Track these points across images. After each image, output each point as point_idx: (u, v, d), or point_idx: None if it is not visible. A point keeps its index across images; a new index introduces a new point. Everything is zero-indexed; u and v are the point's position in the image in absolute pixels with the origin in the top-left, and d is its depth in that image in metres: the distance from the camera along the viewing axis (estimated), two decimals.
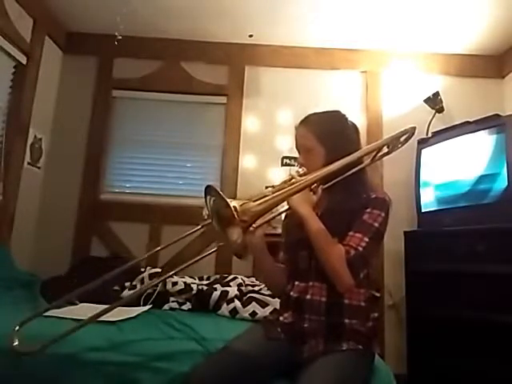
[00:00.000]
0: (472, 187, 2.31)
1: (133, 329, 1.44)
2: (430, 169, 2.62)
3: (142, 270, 2.19)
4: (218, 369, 1.10)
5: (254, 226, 1.01)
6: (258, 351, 1.17)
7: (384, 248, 2.66)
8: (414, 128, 1.30)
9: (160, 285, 1.88)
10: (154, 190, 2.94)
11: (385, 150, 1.31)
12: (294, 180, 1.18)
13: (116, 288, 2.05)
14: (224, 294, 1.86)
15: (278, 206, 1.07)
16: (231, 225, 0.96)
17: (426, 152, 2.65)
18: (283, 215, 1.37)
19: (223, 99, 3.03)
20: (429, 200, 2.58)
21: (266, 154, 2.93)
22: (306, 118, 1.33)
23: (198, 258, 1.13)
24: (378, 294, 2.42)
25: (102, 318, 1.26)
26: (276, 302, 1.59)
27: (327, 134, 1.27)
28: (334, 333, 1.16)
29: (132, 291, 1.99)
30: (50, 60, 2.86)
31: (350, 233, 1.17)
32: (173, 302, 1.88)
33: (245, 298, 1.82)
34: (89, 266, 2.58)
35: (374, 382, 1.20)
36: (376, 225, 1.17)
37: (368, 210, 1.19)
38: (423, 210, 2.61)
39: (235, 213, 0.92)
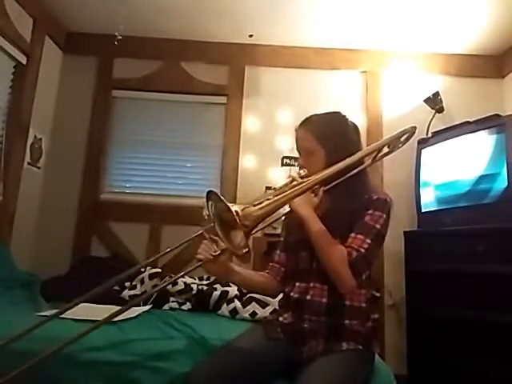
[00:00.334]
0: (472, 187, 2.31)
1: (133, 329, 1.44)
2: (429, 169, 2.62)
3: (142, 270, 2.19)
4: (218, 369, 1.10)
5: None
6: (258, 351, 1.17)
7: (384, 248, 2.65)
8: (415, 128, 1.30)
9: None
10: (154, 190, 2.94)
11: (385, 150, 1.31)
12: (295, 182, 1.18)
13: (116, 288, 2.05)
14: (224, 294, 1.86)
15: (279, 209, 1.08)
16: (233, 229, 0.98)
17: (425, 152, 2.65)
18: (282, 213, 1.37)
19: (223, 99, 3.03)
20: (429, 200, 2.58)
21: (266, 154, 2.93)
22: (306, 119, 1.32)
23: (225, 247, 1.13)
24: (377, 294, 2.43)
25: (101, 319, 1.26)
26: (276, 303, 1.60)
27: (328, 135, 1.26)
28: (334, 333, 1.16)
29: (132, 291, 1.99)
30: (50, 60, 2.86)
31: (352, 234, 1.17)
32: (173, 302, 1.88)
33: (245, 298, 1.82)
34: (89, 265, 2.59)
35: (374, 382, 1.20)
36: (378, 226, 1.17)
37: (370, 212, 1.19)
38: (423, 210, 2.61)
39: (237, 217, 0.93)
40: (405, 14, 2.57)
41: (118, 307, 1.16)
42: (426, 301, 2.35)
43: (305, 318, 1.18)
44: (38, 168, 2.80)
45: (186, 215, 2.77)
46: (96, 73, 3.03)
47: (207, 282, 2.15)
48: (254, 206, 1.00)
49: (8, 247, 2.42)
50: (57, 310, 1.29)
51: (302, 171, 1.26)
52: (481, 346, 2.04)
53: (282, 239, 1.42)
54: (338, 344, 1.15)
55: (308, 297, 1.19)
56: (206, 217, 2.46)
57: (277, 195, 1.07)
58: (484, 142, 2.30)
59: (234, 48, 3.04)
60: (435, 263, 2.33)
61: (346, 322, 1.17)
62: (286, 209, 1.22)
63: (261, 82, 3.05)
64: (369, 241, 1.15)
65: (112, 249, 2.80)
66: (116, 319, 1.43)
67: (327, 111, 1.35)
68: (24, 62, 2.56)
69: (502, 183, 2.16)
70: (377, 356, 1.25)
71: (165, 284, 1.67)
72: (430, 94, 2.85)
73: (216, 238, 1.16)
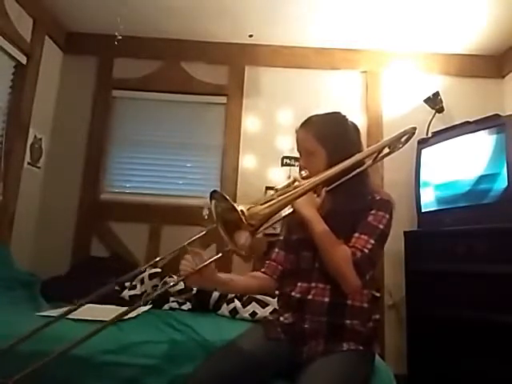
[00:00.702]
0: (472, 187, 2.32)
1: (133, 329, 1.44)
2: (430, 169, 2.62)
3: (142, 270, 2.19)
4: (219, 369, 1.10)
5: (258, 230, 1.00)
6: (259, 351, 1.17)
7: (384, 248, 2.66)
8: (415, 128, 1.30)
9: (160, 285, 1.88)
10: (154, 189, 2.93)
11: (386, 150, 1.31)
12: (297, 183, 1.19)
13: (116, 288, 2.05)
14: (224, 294, 1.86)
15: (283, 209, 1.08)
16: (239, 229, 0.97)
17: (426, 152, 2.65)
18: (284, 215, 1.37)
19: (223, 99, 3.03)
20: (429, 200, 2.58)
21: (266, 154, 2.93)
22: (307, 120, 1.32)
23: (209, 261, 1.11)
24: (378, 294, 2.43)
25: (101, 319, 1.26)
26: (276, 302, 1.60)
27: (328, 136, 1.26)
28: (334, 333, 1.16)
29: (132, 291, 1.99)
30: (50, 60, 2.86)
31: (356, 234, 1.17)
32: (173, 302, 1.89)
33: (245, 298, 1.82)
34: (89, 265, 2.59)
35: (374, 382, 1.20)
36: (381, 227, 1.17)
37: (373, 212, 1.19)
38: (423, 210, 2.61)
39: (243, 217, 0.93)
40: (405, 14, 2.57)
41: (121, 307, 1.16)
42: (425, 301, 2.35)
43: (306, 317, 1.18)
44: (38, 168, 2.80)
45: (186, 215, 2.77)
46: (96, 73, 3.03)
47: None
48: (261, 205, 1.00)
49: (8, 247, 2.42)
50: (62, 311, 1.28)
51: (303, 172, 1.26)
52: (481, 346, 2.04)
53: (282, 238, 1.42)
54: (339, 344, 1.15)
55: (309, 296, 1.19)
56: (206, 217, 2.48)
57: (280, 195, 1.07)
58: (484, 142, 2.30)
59: (233, 48, 3.04)
60: (435, 263, 2.33)
61: (347, 322, 1.17)
62: (289, 209, 1.22)
63: (261, 82, 3.05)
64: (372, 241, 1.15)
65: (112, 249, 2.80)
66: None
67: (327, 112, 1.35)
68: (24, 61, 2.56)
69: (502, 183, 2.16)
70: (377, 356, 1.25)
71: (169, 286, 1.66)
72: (429, 94, 2.85)
73: (198, 250, 1.14)
